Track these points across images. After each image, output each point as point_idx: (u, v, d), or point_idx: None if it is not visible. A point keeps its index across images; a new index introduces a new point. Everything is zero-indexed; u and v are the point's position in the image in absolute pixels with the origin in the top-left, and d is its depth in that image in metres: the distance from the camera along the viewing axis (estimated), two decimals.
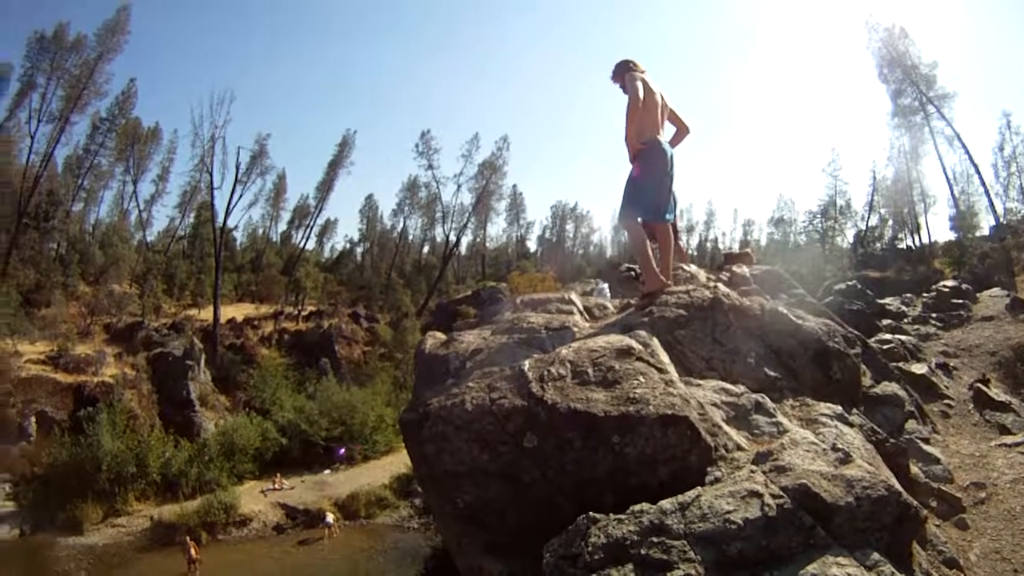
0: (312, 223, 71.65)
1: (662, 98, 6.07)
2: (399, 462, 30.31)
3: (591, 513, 3.26)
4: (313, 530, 27.59)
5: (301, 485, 31.50)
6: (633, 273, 7.70)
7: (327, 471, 33.46)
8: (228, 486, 29.53)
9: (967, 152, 47.61)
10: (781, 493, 3.23)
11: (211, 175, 52.21)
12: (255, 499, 29.52)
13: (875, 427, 5.29)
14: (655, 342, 4.69)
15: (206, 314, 46.36)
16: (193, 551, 23.57)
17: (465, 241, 75.43)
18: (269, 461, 32.91)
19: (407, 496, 29.26)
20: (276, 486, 30.81)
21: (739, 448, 3.83)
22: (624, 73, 6.04)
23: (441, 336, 5.61)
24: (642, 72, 6.04)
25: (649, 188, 5.82)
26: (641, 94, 5.79)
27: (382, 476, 31.57)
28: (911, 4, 79.03)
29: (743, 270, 8.10)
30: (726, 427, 3.98)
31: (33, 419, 29.55)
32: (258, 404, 36.69)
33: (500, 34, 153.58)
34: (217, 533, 26.88)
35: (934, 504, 5.57)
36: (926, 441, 6.67)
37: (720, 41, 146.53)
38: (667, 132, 6.21)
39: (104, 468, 27.71)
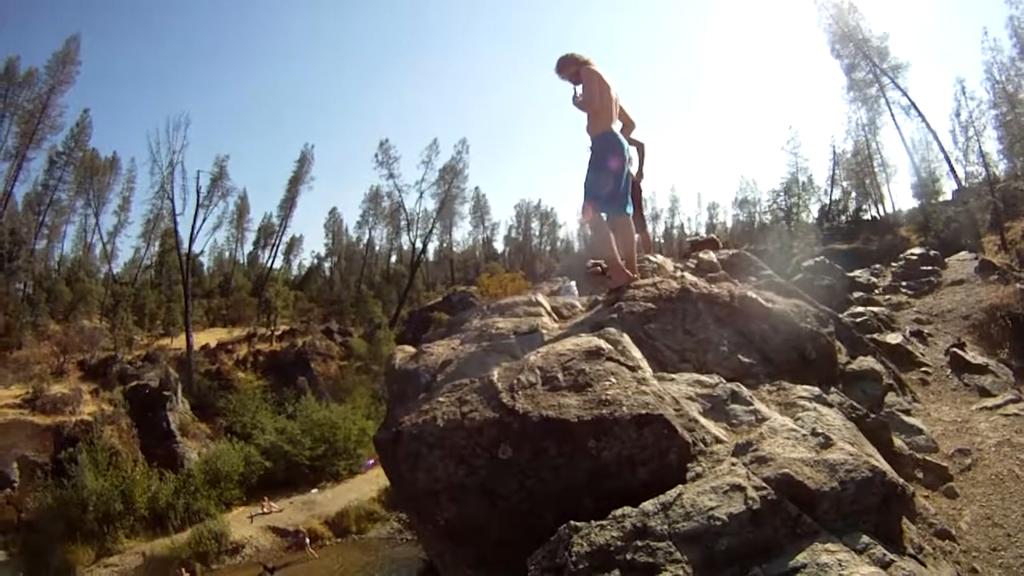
0: (278, 241, 71.07)
1: (615, 92, 6.03)
2: (384, 474, 30.10)
3: (572, 521, 3.19)
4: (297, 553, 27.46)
5: (290, 506, 31.26)
6: (600, 268, 7.65)
7: (314, 490, 33.21)
8: (217, 514, 29.20)
9: (924, 120, 48.27)
10: (764, 484, 3.19)
11: (172, 201, 51.74)
12: (244, 525, 29.25)
13: (854, 404, 5.28)
14: (625, 339, 4.63)
15: (179, 342, 45.77)
16: None
17: (432, 247, 75.96)
18: (255, 485, 32.54)
19: (395, 508, 29.10)
20: (264, 510, 30.54)
21: (718, 441, 3.78)
22: (577, 65, 5.96)
23: (410, 350, 5.52)
24: (588, 62, 5.98)
25: (607, 181, 5.77)
26: (601, 79, 5.77)
27: (370, 490, 31.42)
28: None
29: (710, 256, 8.07)
30: (703, 420, 3.93)
31: (15, 464, 28.86)
32: (239, 429, 36.22)
33: (452, 38, 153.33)
34: (211, 563, 26.59)
35: (920, 475, 5.56)
36: (907, 412, 6.66)
37: (673, 27, 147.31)
38: (617, 126, 6.18)
39: (91, 508, 27.24)
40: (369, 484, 32.08)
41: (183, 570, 24.18)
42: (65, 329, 42.21)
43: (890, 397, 6.73)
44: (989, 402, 7.52)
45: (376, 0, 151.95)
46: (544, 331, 5.13)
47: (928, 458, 5.83)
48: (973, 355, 9.16)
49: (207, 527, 27.49)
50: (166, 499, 29.47)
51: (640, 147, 7.66)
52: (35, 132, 48.80)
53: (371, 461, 34.15)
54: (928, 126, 48.14)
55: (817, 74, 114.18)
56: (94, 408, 33.12)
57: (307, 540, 27.61)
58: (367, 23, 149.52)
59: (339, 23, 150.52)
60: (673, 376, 4.50)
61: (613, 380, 3.94)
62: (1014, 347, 10.25)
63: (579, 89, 5.91)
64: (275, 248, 71.15)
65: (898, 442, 5.76)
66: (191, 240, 52.42)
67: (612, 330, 4.73)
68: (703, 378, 4.46)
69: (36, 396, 32.20)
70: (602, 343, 4.39)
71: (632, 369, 4.12)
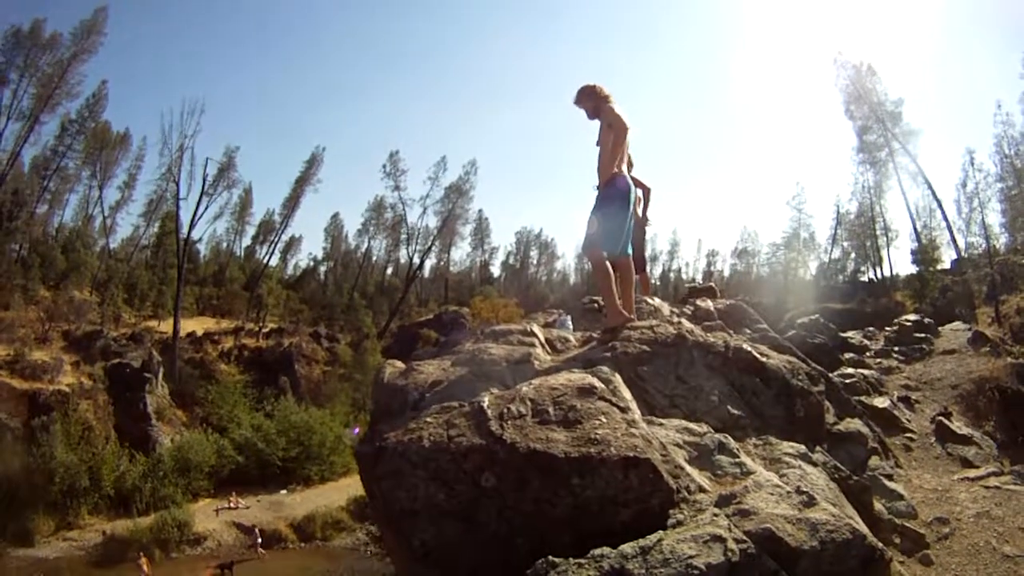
0: (277, 239, 70.83)
1: (630, 134, 6.06)
2: (356, 484, 29.75)
3: (551, 557, 3.16)
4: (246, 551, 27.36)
5: (257, 504, 31.18)
6: (596, 305, 7.66)
7: (283, 491, 33.02)
8: (182, 503, 29.11)
9: (930, 188, 48.71)
10: (744, 538, 3.18)
11: (178, 185, 51.68)
12: (209, 517, 29.09)
13: (838, 464, 5.26)
14: (617, 379, 4.63)
15: (166, 326, 45.75)
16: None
17: (429, 264, 75.52)
18: (225, 479, 32.50)
19: (364, 519, 28.94)
20: (231, 505, 30.40)
21: (702, 490, 3.76)
22: (592, 99, 5.98)
23: (400, 365, 5.50)
24: (609, 97, 6.00)
25: (614, 221, 5.78)
26: (627, 122, 5.79)
27: (339, 498, 31.32)
28: (879, 42, 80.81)
29: (707, 304, 8.11)
30: (689, 468, 3.91)
31: None
32: (215, 421, 36.21)
33: (474, 58, 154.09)
34: (170, 551, 26.50)
35: (898, 541, 5.53)
36: (889, 477, 6.65)
37: (689, 73, 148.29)
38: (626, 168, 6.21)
39: (57, 480, 27.27)
40: (339, 492, 31.98)
41: (141, 554, 23.93)
42: (55, 297, 42.12)
43: (874, 460, 6.73)
44: (971, 473, 7.52)
45: (398, 12, 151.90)
46: (536, 362, 5.11)
47: (907, 524, 5.80)
48: (958, 425, 9.18)
49: (171, 514, 27.48)
50: (133, 481, 29.46)
51: (646, 191, 7.71)
52: (51, 96, 48.85)
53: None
54: (934, 194, 48.62)
55: (828, 132, 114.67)
56: (73, 380, 33.07)
57: (259, 540, 27.40)
58: (399, 30, 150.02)
59: (366, 27, 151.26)
60: (662, 421, 4.49)
61: (603, 419, 3.92)
62: (1000, 420, 10.25)
63: (596, 123, 5.93)
64: (273, 245, 71.00)
65: (878, 506, 5.75)
66: (191, 226, 52.41)
67: (605, 369, 4.73)
68: (692, 426, 4.45)
69: (16, 359, 32.14)
70: (595, 381, 4.38)
71: (623, 410, 4.11)
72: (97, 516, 28.19)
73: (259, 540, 27.43)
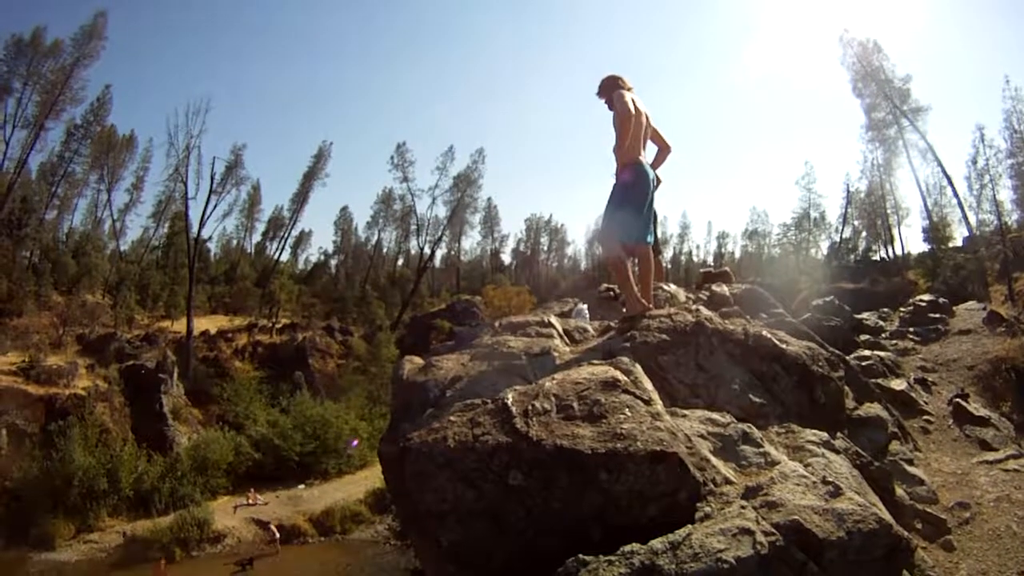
0: (287, 235, 71.39)
1: (647, 118, 6.03)
2: (374, 476, 30.07)
3: (580, 555, 3.15)
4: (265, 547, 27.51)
5: (275, 500, 31.31)
6: (612, 293, 7.63)
7: (301, 486, 33.17)
8: (201, 502, 29.28)
9: (940, 165, 48.41)
10: (773, 530, 3.17)
11: (186, 185, 51.99)
12: (228, 515, 29.24)
13: (859, 450, 5.26)
14: (638, 369, 4.61)
15: (179, 326, 45.91)
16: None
17: (440, 254, 75.89)
18: (243, 476, 32.66)
19: (382, 511, 29.04)
20: (250, 501, 30.55)
21: (728, 482, 3.75)
22: (612, 90, 5.97)
23: (419, 361, 5.49)
24: (629, 89, 5.98)
25: (630, 210, 5.76)
26: (631, 108, 5.74)
27: (357, 491, 31.45)
28: (885, 19, 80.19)
29: (723, 289, 8.07)
30: (714, 460, 3.90)
31: (4, 431, 29.00)
32: (231, 418, 36.41)
33: (478, 45, 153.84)
34: (191, 549, 26.64)
35: (919, 526, 5.52)
36: (909, 462, 6.62)
37: (696, 54, 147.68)
38: (649, 153, 6.16)
39: (76, 483, 27.44)
40: (356, 485, 32.13)
41: (162, 560, 24.15)
42: (67, 301, 42.27)
43: (894, 445, 6.69)
44: (990, 456, 7.47)
45: (404, 3, 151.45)
46: (556, 354, 5.10)
47: (928, 509, 5.79)
48: (976, 407, 9.10)
49: (191, 513, 27.65)
50: (152, 481, 29.63)
51: (657, 181, 7.67)
52: (55, 103, 49.17)
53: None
54: (944, 171, 48.30)
55: (836, 110, 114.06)
56: (88, 383, 33.21)
57: (277, 535, 27.54)
58: (401, 21, 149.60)
59: (365, 23, 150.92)
60: (686, 412, 4.47)
61: (628, 413, 3.91)
62: (1017, 401, 10.18)
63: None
64: (283, 241, 71.53)
65: (899, 491, 5.74)
66: (200, 225, 52.93)
67: (626, 360, 4.71)
68: (715, 416, 4.43)
69: (32, 365, 32.30)
70: (618, 374, 4.36)
71: (647, 403, 4.09)
72: (117, 518, 28.38)
73: (277, 536, 27.56)
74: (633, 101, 5.84)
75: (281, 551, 27.21)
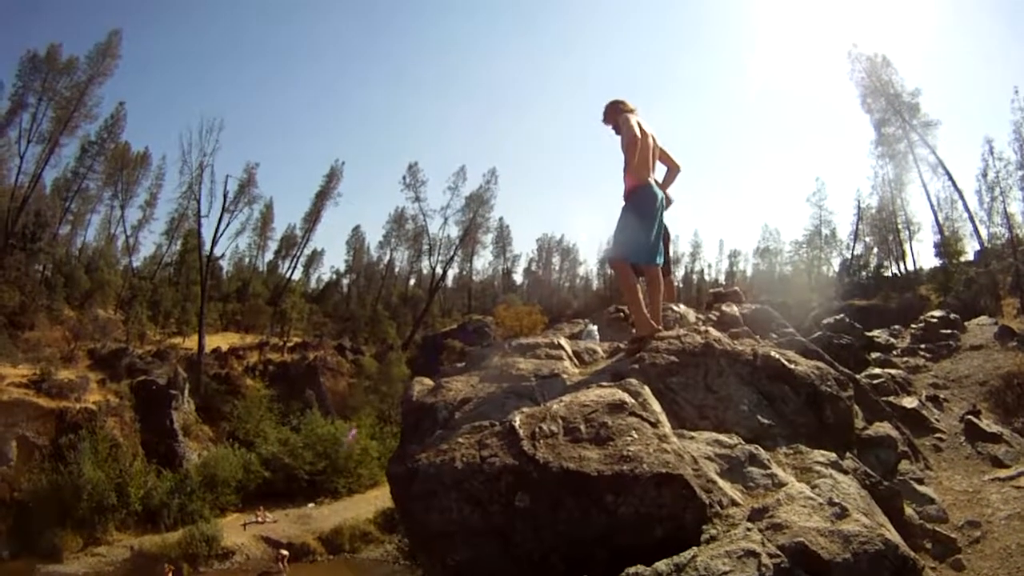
0: (299, 253, 71.42)
1: (653, 139, 6.08)
2: (384, 495, 29.83)
3: None
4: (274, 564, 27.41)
5: (284, 518, 31.25)
6: (622, 315, 7.66)
7: (311, 504, 33.13)
8: (210, 518, 29.26)
9: (951, 179, 48.12)
10: (778, 552, 3.18)
11: (199, 203, 52.19)
12: (237, 532, 29.23)
13: (868, 470, 5.25)
14: (646, 391, 4.63)
15: (191, 343, 46.07)
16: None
17: (451, 274, 75.65)
18: (252, 493, 32.61)
19: (392, 531, 28.97)
20: (259, 519, 30.53)
21: (734, 504, 3.76)
22: (617, 114, 6.02)
23: (429, 383, 5.54)
24: (632, 111, 6.03)
25: (640, 231, 5.80)
26: (637, 132, 5.79)
27: (366, 510, 31.36)
28: (894, 33, 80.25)
29: (732, 309, 8.08)
30: (720, 482, 3.91)
31: (14, 443, 29.00)
32: (242, 435, 36.34)
33: (490, 66, 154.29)
34: (199, 566, 26.63)
35: (929, 546, 5.50)
36: (919, 481, 6.60)
37: (705, 69, 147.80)
38: (658, 173, 6.21)
39: (85, 497, 27.41)
40: (366, 504, 32.06)
41: (168, 567, 24.17)
42: (79, 316, 42.53)
43: (903, 465, 6.67)
44: (1002, 473, 7.42)
45: (414, 24, 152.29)
46: (565, 376, 5.13)
47: (938, 529, 5.77)
48: (988, 423, 9.06)
49: (199, 529, 27.60)
50: (161, 497, 29.61)
51: (668, 201, 7.71)
52: (70, 119, 49.52)
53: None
54: (955, 185, 47.99)
55: (846, 126, 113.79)
56: (99, 397, 33.26)
57: (285, 554, 27.48)
58: (413, 42, 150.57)
59: (380, 44, 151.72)
60: (693, 434, 4.49)
61: (635, 435, 3.93)
62: None
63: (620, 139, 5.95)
64: (296, 259, 71.55)
65: (909, 511, 5.72)
66: (213, 243, 53.07)
67: (634, 381, 4.74)
68: (722, 438, 4.45)
69: (43, 379, 32.26)
70: (626, 396, 4.39)
71: (654, 425, 4.11)
72: (125, 532, 28.38)
73: (285, 554, 27.51)
74: (639, 124, 5.89)
75: (289, 569, 27.15)
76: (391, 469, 4.50)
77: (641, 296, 5.93)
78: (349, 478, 35.15)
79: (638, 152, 5.79)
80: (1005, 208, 45.17)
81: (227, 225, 53.87)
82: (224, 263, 68.36)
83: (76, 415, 30.99)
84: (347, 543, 29.75)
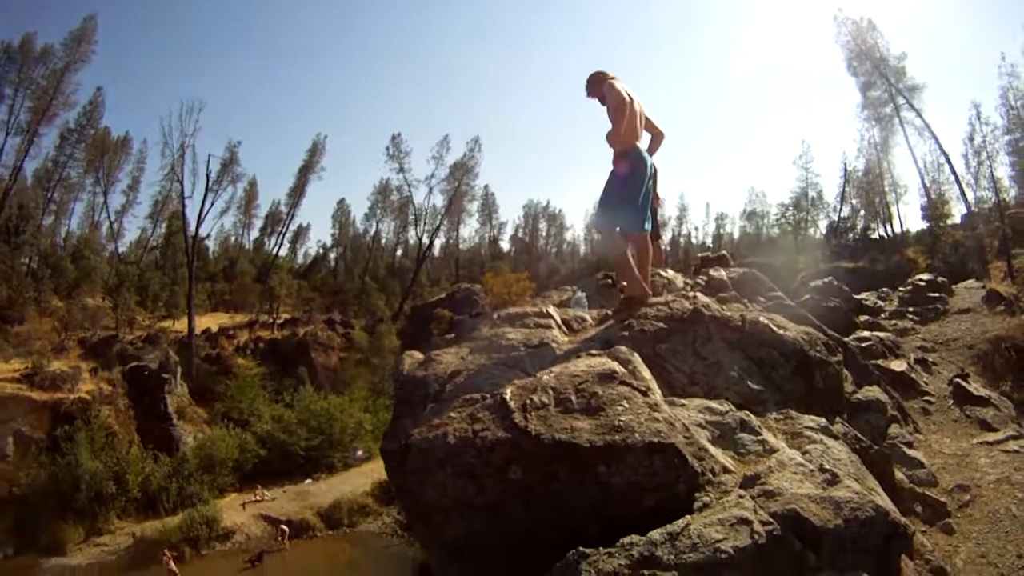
0: (284, 229, 71.53)
1: (639, 106, 6.03)
2: (379, 468, 29.90)
3: (581, 548, 3.17)
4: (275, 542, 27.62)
5: (283, 495, 31.42)
6: (611, 281, 7.63)
7: (308, 480, 33.28)
8: (209, 500, 29.39)
9: (937, 142, 48.05)
10: (770, 519, 3.19)
11: (182, 184, 52.05)
12: (237, 512, 29.36)
13: (858, 435, 5.27)
14: (636, 358, 4.63)
15: (181, 325, 45.94)
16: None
17: (438, 243, 75.56)
18: (249, 473, 32.78)
19: (389, 503, 29.12)
20: (257, 497, 30.65)
21: (726, 471, 3.78)
22: (600, 84, 5.97)
23: (419, 356, 5.52)
24: (615, 78, 5.98)
25: (627, 198, 5.77)
26: (625, 96, 5.75)
27: (363, 483, 31.51)
28: None
29: (720, 274, 8.08)
30: (712, 449, 3.92)
31: (10, 439, 28.99)
32: (236, 415, 36.38)
33: (468, 34, 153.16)
34: (201, 548, 26.75)
35: (919, 510, 5.54)
36: (909, 445, 6.64)
37: (691, 35, 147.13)
38: (644, 140, 6.17)
39: (84, 487, 27.46)
40: (363, 477, 32.17)
41: (168, 554, 24.24)
42: (68, 306, 42.26)
43: (893, 428, 6.71)
44: (990, 436, 7.49)
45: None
46: (554, 345, 5.10)
47: (928, 492, 5.81)
48: (976, 387, 9.12)
49: (199, 512, 27.73)
50: (159, 482, 29.70)
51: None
52: (48, 108, 49.06)
53: (359, 452, 34.43)
54: (941, 148, 47.95)
55: (832, 90, 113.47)
56: (92, 387, 33.15)
57: (285, 530, 27.65)
58: (384, 19, 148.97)
59: (357, 18, 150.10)
60: (684, 401, 4.50)
61: (626, 405, 3.94)
62: (1017, 380, 10.17)
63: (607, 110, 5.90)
64: (282, 236, 71.58)
65: (899, 475, 5.76)
66: (198, 223, 52.96)
67: (623, 349, 4.74)
68: (713, 405, 4.46)
69: (35, 372, 32.18)
70: (616, 366, 4.39)
71: (644, 393, 4.11)
72: (126, 520, 28.50)
73: (286, 530, 27.66)
74: (625, 89, 5.85)
75: (290, 546, 27.30)
76: (385, 446, 4.48)
77: (631, 260, 5.91)
78: (345, 452, 35.42)
79: (626, 117, 5.74)
80: (992, 172, 45.10)
81: (211, 205, 53.92)
82: (210, 243, 68.53)
83: (70, 406, 30.92)
84: (345, 517, 29.95)
